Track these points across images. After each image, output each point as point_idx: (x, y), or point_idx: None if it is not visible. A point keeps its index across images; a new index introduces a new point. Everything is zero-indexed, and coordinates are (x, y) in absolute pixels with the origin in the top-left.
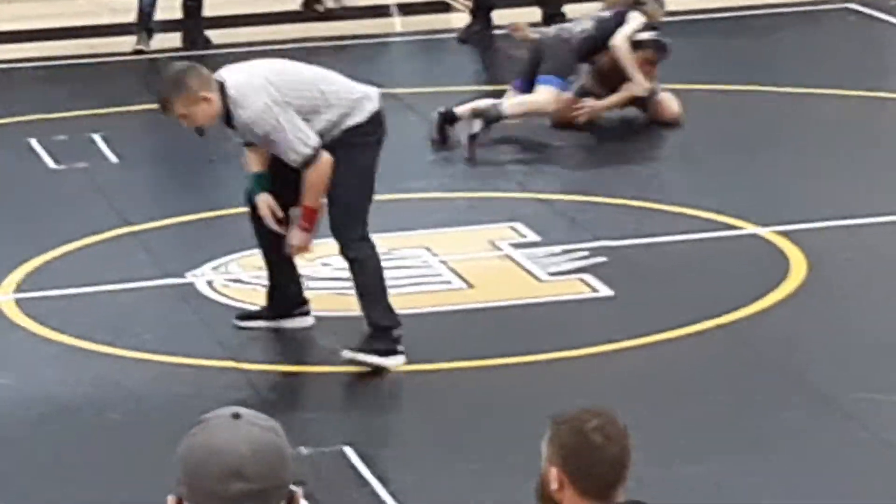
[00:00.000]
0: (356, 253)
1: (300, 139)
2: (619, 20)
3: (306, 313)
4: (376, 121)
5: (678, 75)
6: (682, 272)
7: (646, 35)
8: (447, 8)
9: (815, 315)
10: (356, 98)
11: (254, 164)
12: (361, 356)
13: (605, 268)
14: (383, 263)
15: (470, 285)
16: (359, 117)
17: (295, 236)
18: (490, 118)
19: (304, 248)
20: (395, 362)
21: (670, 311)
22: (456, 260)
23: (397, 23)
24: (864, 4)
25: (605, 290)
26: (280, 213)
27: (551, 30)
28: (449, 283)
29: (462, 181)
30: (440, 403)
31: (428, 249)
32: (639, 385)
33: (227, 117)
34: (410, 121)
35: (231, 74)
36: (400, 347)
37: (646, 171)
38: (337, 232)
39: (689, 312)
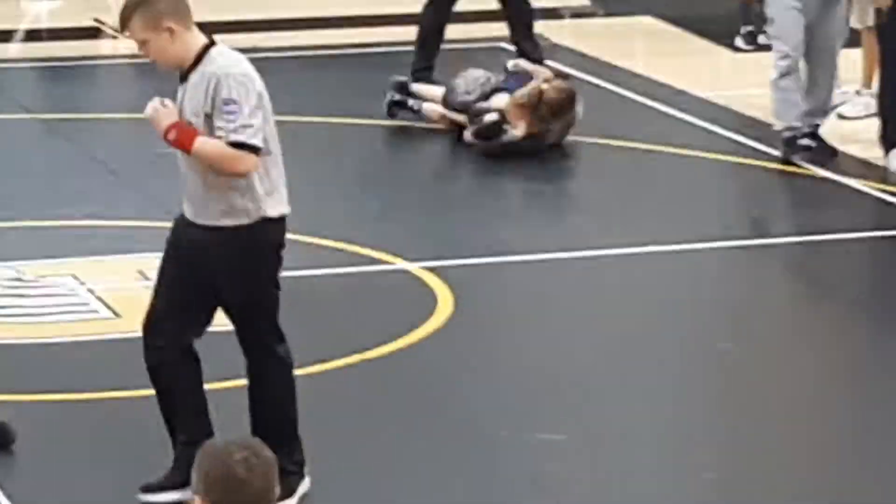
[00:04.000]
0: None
1: (252, 127)
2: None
3: None
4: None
5: (330, 108)
6: (331, 306)
7: None
8: (97, 33)
9: (459, 350)
10: (280, 188)
11: None
12: None
13: None
14: (29, 291)
15: (117, 315)
16: (276, 209)
17: (160, 113)
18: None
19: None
20: None
21: (318, 344)
22: (103, 289)
23: (13, 49)
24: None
25: None
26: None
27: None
28: (96, 312)
29: (113, 209)
30: (76, 431)
31: (75, 278)
32: None
33: (186, 73)
34: (61, 146)
35: (228, 49)
36: None
37: (300, 205)
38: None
39: (336, 346)
